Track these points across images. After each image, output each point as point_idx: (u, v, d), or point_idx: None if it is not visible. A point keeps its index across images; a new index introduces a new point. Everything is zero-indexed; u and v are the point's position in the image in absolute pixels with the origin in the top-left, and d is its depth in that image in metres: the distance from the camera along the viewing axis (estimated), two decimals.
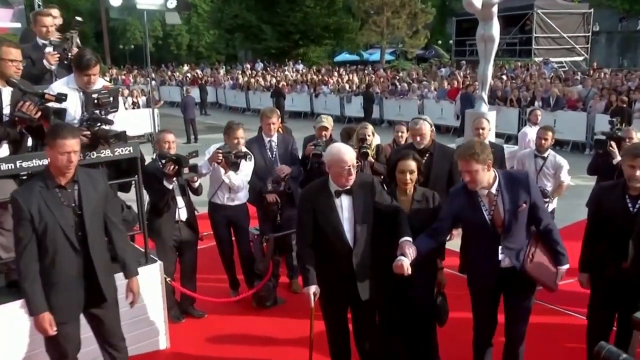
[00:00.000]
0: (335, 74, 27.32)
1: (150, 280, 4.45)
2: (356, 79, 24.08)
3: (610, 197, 3.88)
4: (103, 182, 3.55)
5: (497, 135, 11.15)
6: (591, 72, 21.51)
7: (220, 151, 5.26)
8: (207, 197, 5.70)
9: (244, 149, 5.43)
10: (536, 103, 15.29)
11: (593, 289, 4.10)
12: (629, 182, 3.79)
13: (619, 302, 3.93)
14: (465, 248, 3.99)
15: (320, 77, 25.99)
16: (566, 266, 3.79)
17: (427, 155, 5.00)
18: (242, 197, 5.57)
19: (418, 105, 18.91)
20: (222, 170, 5.36)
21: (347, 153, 3.62)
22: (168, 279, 4.72)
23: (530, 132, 8.40)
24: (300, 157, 6.04)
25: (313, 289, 3.66)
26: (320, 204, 3.68)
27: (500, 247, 3.63)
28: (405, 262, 3.46)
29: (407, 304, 4.00)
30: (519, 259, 3.68)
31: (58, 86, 4.23)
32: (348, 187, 3.68)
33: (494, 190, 3.60)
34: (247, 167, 5.46)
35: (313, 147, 5.74)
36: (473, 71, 22.54)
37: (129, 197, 4.80)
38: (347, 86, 22.29)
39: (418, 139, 5.00)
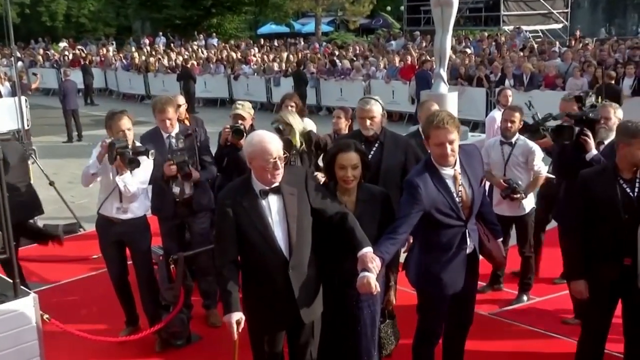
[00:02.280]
0: (259, 50, 27.35)
1: (22, 318, 4.34)
2: (286, 56, 24.24)
3: (602, 185, 4.15)
4: None
5: (461, 121, 11.48)
6: (572, 42, 22.58)
7: (108, 141, 5.15)
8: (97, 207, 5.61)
9: (139, 144, 5.38)
10: (506, 82, 15.91)
11: (592, 292, 4.32)
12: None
13: (625, 299, 4.26)
14: (423, 249, 4.12)
15: (239, 54, 25.96)
16: (502, 237, 4.59)
17: (376, 144, 5.14)
18: (136, 209, 5.49)
19: (364, 87, 19.26)
20: (113, 171, 5.27)
21: (272, 142, 3.66)
22: (45, 316, 4.62)
23: (500, 117, 8.73)
24: (214, 155, 6.05)
25: (236, 316, 3.65)
26: (243, 207, 3.70)
27: (467, 232, 4.05)
28: (372, 278, 3.53)
29: (349, 327, 4.08)
30: (476, 241, 4.21)
31: None
32: (276, 185, 3.73)
33: (458, 168, 3.97)
34: (144, 170, 5.37)
35: (229, 128, 5.78)
36: (430, 44, 23.14)
37: None
38: (274, 65, 22.40)
39: (368, 123, 5.09)
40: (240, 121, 5.98)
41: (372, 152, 5.03)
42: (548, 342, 5.58)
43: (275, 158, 3.65)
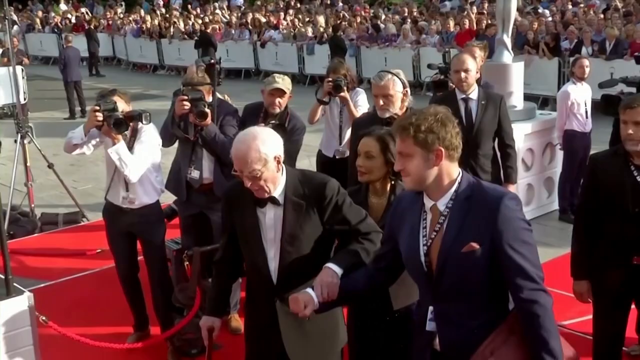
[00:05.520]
0: (290, 12, 27.31)
1: (15, 320, 4.41)
2: (321, 20, 24.14)
3: (609, 170, 4.11)
4: None
5: (528, 96, 11.38)
6: None
7: (98, 108, 5.11)
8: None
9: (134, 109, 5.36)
10: (584, 50, 15.61)
11: (597, 297, 4.37)
12: (625, 145, 4.03)
13: (637, 300, 4.31)
14: None
15: (267, 17, 25.94)
16: None
17: None
18: (144, 195, 5.48)
19: (412, 55, 19.18)
20: (109, 142, 5.20)
21: (243, 150, 3.35)
22: (42, 318, 4.69)
23: (575, 92, 8.59)
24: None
25: (207, 321, 3.72)
26: (240, 213, 3.63)
27: (430, 309, 3.09)
28: (303, 297, 3.24)
29: None
30: (455, 342, 3.00)
31: None
32: (275, 195, 3.53)
33: (441, 204, 3.01)
34: (147, 144, 5.33)
35: (264, 125, 5.74)
36: (492, 4, 22.80)
37: None
38: (308, 30, 22.34)
39: (381, 102, 4.96)
40: (278, 99, 5.93)
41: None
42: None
43: (242, 172, 3.40)
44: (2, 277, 4.47)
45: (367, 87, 18.35)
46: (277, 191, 3.51)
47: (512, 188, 6.21)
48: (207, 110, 5.55)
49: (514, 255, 2.88)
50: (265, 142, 3.38)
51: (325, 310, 3.32)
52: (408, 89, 5.06)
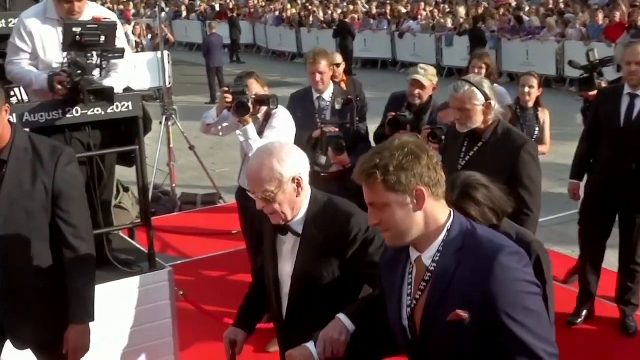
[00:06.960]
0: (431, 2, 27.07)
1: (157, 293, 4.63)
2: (462, 11, 23.79)
3: None
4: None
5: None
6: None
7: (227, 89, 5.17)
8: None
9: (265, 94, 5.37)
10: None
11: None
12: None
13: None
14: None
15: (407, 7, 25.82)
16: None
17: (479, 144, 4.55)
18: None
19: (556, 49, 18.62)
20: (239, 124, 5.19)
21: (256, 168, 3.00)
22: (181, 293, 4.89)
23: None
24: (377, 127, 6.07)
25: (231, 334, 3.34)
26: (264, 234, 3.33)
27: None
28: (300, 353, 2.85)
29: None
30: None
31: (29, 18, 4.39)
32: (294, 222, 3.11)
33: (426, 258, 2.47)
34: (278, 129, 5.26)
35: (394, 115, 5.71)
36: None
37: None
38: (448, 21, 22.08)
39: (458, 116, 4.48)
40: (416, 90, 5.80)
41: (471, 154, 4.56)
42: None
43: (254, 193, 3.05)
44: (146, 251, 4.72)
45: (507, 80, 18.07)
46: (297, 219, 3.09)
47: None
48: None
49: (512, 326, 2.31)
50: (283, 161, 2.95)
51: None
52: (493, 101, 4.40)
